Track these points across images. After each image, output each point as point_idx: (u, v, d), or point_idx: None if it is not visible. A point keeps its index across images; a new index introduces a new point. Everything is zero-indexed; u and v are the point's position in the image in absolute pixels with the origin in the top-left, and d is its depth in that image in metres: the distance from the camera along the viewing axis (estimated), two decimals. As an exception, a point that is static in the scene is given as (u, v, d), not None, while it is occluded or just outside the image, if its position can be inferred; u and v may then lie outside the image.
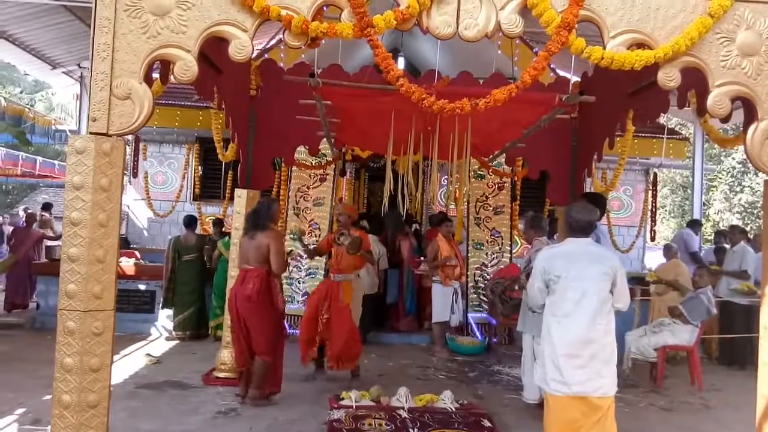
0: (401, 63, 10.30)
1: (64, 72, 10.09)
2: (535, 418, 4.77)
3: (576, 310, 3.28)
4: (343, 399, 4.98)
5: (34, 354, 6.34)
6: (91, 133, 2.81)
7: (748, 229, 16.86)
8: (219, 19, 2.87)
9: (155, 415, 4.69)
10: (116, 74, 2.82)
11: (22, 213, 15.95)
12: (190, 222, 7.80)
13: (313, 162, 7.98)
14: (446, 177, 9.24)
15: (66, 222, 2.80)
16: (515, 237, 9.24)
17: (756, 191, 21.07)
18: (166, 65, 3.24)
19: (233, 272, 5.41)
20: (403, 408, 4.82)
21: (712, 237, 11.44)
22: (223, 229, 7.93)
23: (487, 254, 8.44)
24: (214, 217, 8.95)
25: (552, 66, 7.69)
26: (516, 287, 5.66)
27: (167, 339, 7.49)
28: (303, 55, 7.15)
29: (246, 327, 4.81)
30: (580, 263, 3.34)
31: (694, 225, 9.49)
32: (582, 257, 3.36)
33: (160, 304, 7.66)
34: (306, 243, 6.37)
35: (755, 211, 21.65)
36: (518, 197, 8.99)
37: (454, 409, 4.91)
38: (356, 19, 2.88)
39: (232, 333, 4.98)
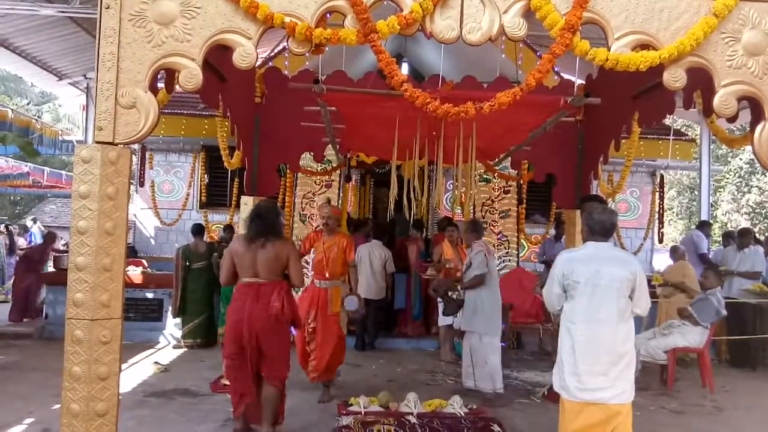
0: (405, 69, 10.30)
1: (70, 83, 10.19)
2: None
3: (596, 316, 3.22)
4: (351, 405, 4.97)
5: (42, 363, 6.36)
6: (97, 142, 2.82)
7: (756, 229, 16.79)
8: (223, 27, 2.89)
9: (164, 423, 4.70)
10: (121, 83, 2.84)
11: (30, 223, 16.06)
12: (199, 230, 7.83)
13: (319, 168, 8.00)
14: (452, 181, 9.24)
15: (73, 231, 2.81)
16: (522, 241, 9.22)
17: (764, 191, 20.97)
18: (171, 74, 3.26)
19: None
20: (412, 413, 4.80)
21: (720, 239, 11.34)
22: (234, 236, 7.95)
23: (488, 259, 8.39)
24: (222, 225, 9.00)
25: (556, 69, 7.68)
26: (459, 287, 5.73)
27: (175, 347, 7.50)
28: (307, 63, 7.18)
29: (260, 351, 4.09)
30: (600, 267, 3.25)
31: (704, 226, 9.44)
32: (602, 261, 3.27)
33: (171, 313, 7.68)
34: None
35: (763, 212, 21.54)
36: (524, 200, 8.99)
37: (463, 414, 4.88)
38: (360, 24, 2.89)
39: (233, 360, 4.15)
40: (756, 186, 22.14)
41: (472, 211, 8.48)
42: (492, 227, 8.61)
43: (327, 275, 5.34)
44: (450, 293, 5.86)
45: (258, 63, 7.01)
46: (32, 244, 14.30)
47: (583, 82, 5.54)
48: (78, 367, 2.80)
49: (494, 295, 5.65)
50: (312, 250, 5.52)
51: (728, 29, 2.97)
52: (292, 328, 5.62)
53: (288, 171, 8.11)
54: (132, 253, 9.55)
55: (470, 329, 5.61)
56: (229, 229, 8.19)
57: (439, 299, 6.13)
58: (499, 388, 5.55)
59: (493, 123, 4.32)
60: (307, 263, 6.32)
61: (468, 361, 5.66)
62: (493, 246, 8.41)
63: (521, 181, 8.58)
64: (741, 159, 22.18)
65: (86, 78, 9.86)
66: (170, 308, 7.69)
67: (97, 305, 2.80)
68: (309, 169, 7.88)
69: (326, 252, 5.35)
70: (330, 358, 5.33)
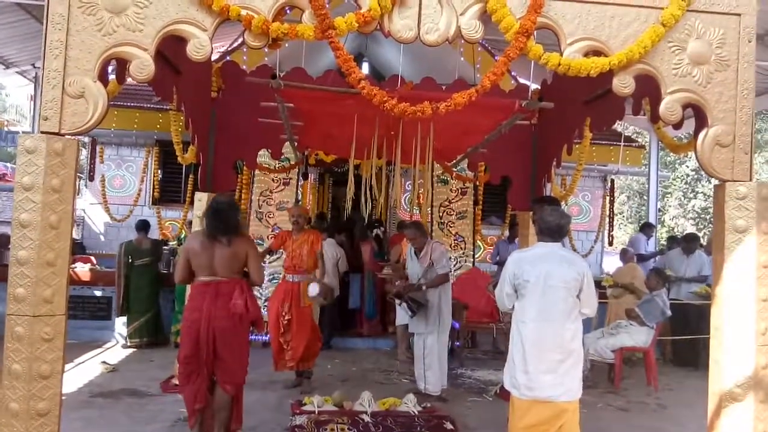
0: (366, 68, 10.32)
1: (17, 72, 9.78)
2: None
3: (545, 315, 3.29)
4: (305, 404, 4.95)
5: (-18, 363, 6.10)
6: (42, 133, 2.72)
7: (701, 234, 17.49)
8: (177, 17, 2.82)
9: (111, 424, 4.58)
10: (69, 72, 2.74)
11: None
12: (143, 226, 7.65)
13: (276, 165, 7.92)
14: (410, 182, 9.29)
15: (15, 224, 2.70)
16: (478, 242, 9.35)
17: (708, 197, 21.79)
18: (122, 64, 3.16)
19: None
20: (365, 412, 4.81)
21: (665, 242, 11.76)
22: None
23: (450, 258, 8.48)
24: (176, 222, 8.81)
25: (513, 74, 7.83)
26: (424, 288, 5.70)
27: (124, 346, 7.31)
28: (266, 58, 7.10)
29: (216, 353, 3.89)
30: (549, 268, 3.33)
31: (645, 228, 9.77)
32: (551, 261, 3.35)
33: (115, 311, 7.47)
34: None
35: (708, 217, 22.39)
36: (480, 202, 9.11)
37: (416, 413, 4.93)
38: (317, 20, 2.87)
39: (189, 364, 3.92)
40: (701, 192, 23.03)
41: (429, 212, 8.54)
42: (449, 228, 8.69)
43: (298, 270, 5.65)
44: (412, 295, 5.83)
45: (215, 57, 6.92)
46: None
47: (538, 87, 5.66)
48: (18, 365, 2.68)
49: (449, 293, 5.88)
50: (281, 248, 5.82)
51: (675, 38, 3.07)
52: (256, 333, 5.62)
53: (245, 167, 8.00)
54: (80, 250, 9.25)
55: (431, 330, 5.64)
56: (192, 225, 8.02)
57: (399, 303, 6.07)
58: (444, 385, 5.73)
59: (450, 124, 4.36)
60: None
61: (421, 362, 5.68)
62: (449, 247, 8.51)
63: (477, 183, 8.70)
64: (688, 166, 23.03)
65: (34, 67, 9.49)
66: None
67: (40, 301, 2.69)
68: (266, 166, 7.79)
69: (297, 249, 5.65)
70: (305, 347, 5.61)
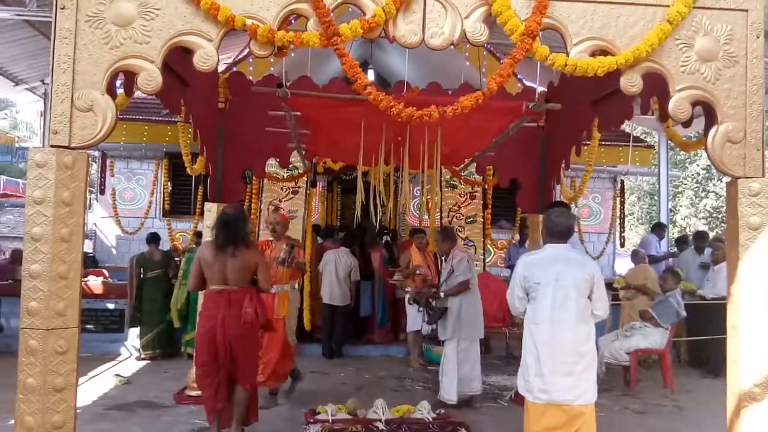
0: (371, 75, 10.36)
1: (27, 88, 9.89)
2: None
3: (557, 318, 3.26)
4: (319, 413, 4.93)
5: (-3, 378, 6.13)
6: (52, 146, 2.74)
7: (713, 234, 17.32)
8: (183, 29, 2.84)
9: (125, 436, 4.57)
10: (78, 86, 2.77)
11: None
12: (154, 238, 7.70)
13: (285, 174, 7.94)
14: (418, 188, 9.28)
15: (27, 238, 2.72)
16: (488, 246, 9.31)
17: (720, 196, 21.59)
18: (130, 77, 3.19)
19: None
20: (380, 420, 4.78)
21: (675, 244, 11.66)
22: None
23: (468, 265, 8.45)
24: (186, 233, 8.85)
25: (519, 77, 7.81)
26: (442, 295, 5.58)
27: (137, 359, 7.32)
28: (272, 68, 7.14)
29: (233, 356, 4.10)
30: (560, 269, 3.31)
31: (657, 229, 9.69)
32: (561, 263, 3.33)
33: (126, 323, 7.49)
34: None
35: (720, 216, 22.18)
36: (489, 206, 9.08)
37: (431, 419, 4.89)
38: (322, 28, 2.88)
39: (205, 366, 4.12)
40: (713, 191, 22.82)
41: (438, 217, 8.52)
42: (459, 232, 8.67)
43: (273, 280, 5.19)
44: (431, 302, 5.77)
45: (222, 68, 6.96)
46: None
47: (545, 89, 5.64)
48: (33, 379, 2.70)
49: (477, 299, 5.64)
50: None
51: (682, 36, 3.05)
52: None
53: (253, 177, 8.03)
54: (92, 263, 9.31)
55: (453, 337, 5.49)
56: (200, 234, 8.07)
57: (419, 309, 6.02)
58: (470, 391, 5.50)
59: (457, 128, 4.36)
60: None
61: (441, 369, 5.56)
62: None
63: (486, 187, 8.67)
64: (698, 165, 22.83)
65: (44, 83, 9.58)
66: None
67: (53, 314, 2.71)
68: (275, 175, 7.81)
69: (274, 258, 5.29)
70: (276, 362, 5.22)
